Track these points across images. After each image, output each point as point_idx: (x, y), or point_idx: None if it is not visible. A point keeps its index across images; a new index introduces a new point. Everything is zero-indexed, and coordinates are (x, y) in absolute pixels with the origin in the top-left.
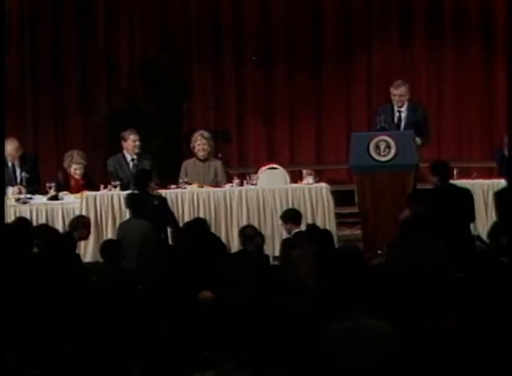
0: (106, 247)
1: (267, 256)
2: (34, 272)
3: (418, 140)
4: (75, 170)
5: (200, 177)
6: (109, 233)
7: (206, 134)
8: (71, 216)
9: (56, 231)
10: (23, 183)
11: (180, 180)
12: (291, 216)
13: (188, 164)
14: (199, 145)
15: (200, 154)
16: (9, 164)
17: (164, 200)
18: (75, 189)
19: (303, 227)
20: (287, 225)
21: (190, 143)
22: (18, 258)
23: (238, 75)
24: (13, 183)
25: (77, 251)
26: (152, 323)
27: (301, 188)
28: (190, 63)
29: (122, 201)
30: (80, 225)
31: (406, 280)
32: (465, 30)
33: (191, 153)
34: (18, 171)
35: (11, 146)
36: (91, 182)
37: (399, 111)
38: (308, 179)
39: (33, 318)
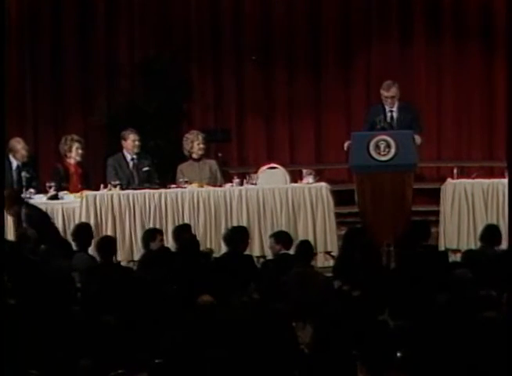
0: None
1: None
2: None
3: (418, 139)
4: (77, 149)
5: (197, 176)
6: (109, 233)
7: (201, 134)
8: (71, 216)
9: None
10: (23, 183)
11: (180, 180)
12: (285, 239)
13: (183, 167)
14: (198, 144)
15: (199, 154)
16: (15, 164)
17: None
18: (73, 181)
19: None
20: (278, 246)
21: (184, 145)
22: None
23: (238, 75)
24: (15, 184)
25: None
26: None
27: (301, 187)
28: (190, 63)
29: (122, 201)
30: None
31: None
32: (465, 29)
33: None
34: (23, 172)
35: (21, 145)
36: (87, 172)
37: (391, 111)
38: (308, 179)
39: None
